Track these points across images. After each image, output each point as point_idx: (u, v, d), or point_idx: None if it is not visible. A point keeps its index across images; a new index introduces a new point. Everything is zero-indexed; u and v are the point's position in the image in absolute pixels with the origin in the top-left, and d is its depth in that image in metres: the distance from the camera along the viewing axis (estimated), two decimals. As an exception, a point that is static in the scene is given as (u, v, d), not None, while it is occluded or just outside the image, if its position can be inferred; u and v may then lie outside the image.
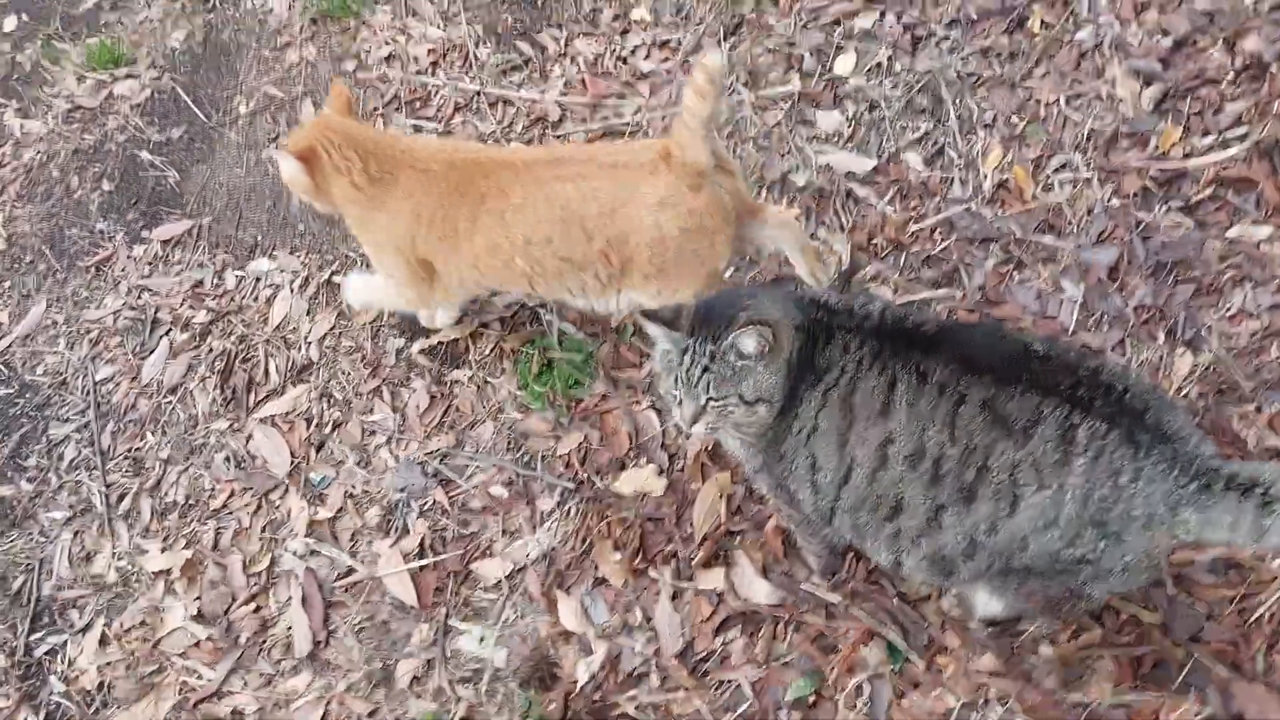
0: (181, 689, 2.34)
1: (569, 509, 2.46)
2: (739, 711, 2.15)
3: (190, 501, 2.61)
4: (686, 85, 2.03)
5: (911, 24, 3.08)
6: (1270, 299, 2.43)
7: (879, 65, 3.03)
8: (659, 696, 2.20)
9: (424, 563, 2.42)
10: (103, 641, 2.43)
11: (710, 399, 1.82)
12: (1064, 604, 1.87)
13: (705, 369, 1.80)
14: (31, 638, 2.46)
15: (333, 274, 2.89)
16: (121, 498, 2.63)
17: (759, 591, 2.27)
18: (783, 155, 2.91)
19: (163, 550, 2.54)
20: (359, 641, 2.37)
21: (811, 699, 2.14)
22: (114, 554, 2.55)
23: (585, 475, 2.50)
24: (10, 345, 2.90)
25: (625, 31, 3.36)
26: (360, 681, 2.31)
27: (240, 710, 2.31)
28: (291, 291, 2.90)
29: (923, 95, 2.94)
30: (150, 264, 3.01)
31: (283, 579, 2.46)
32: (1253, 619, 2.03)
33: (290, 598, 2.42)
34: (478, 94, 3.22)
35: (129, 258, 3.02)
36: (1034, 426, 1.65)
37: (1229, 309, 2.44)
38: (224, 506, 2.59)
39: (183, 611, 2.43)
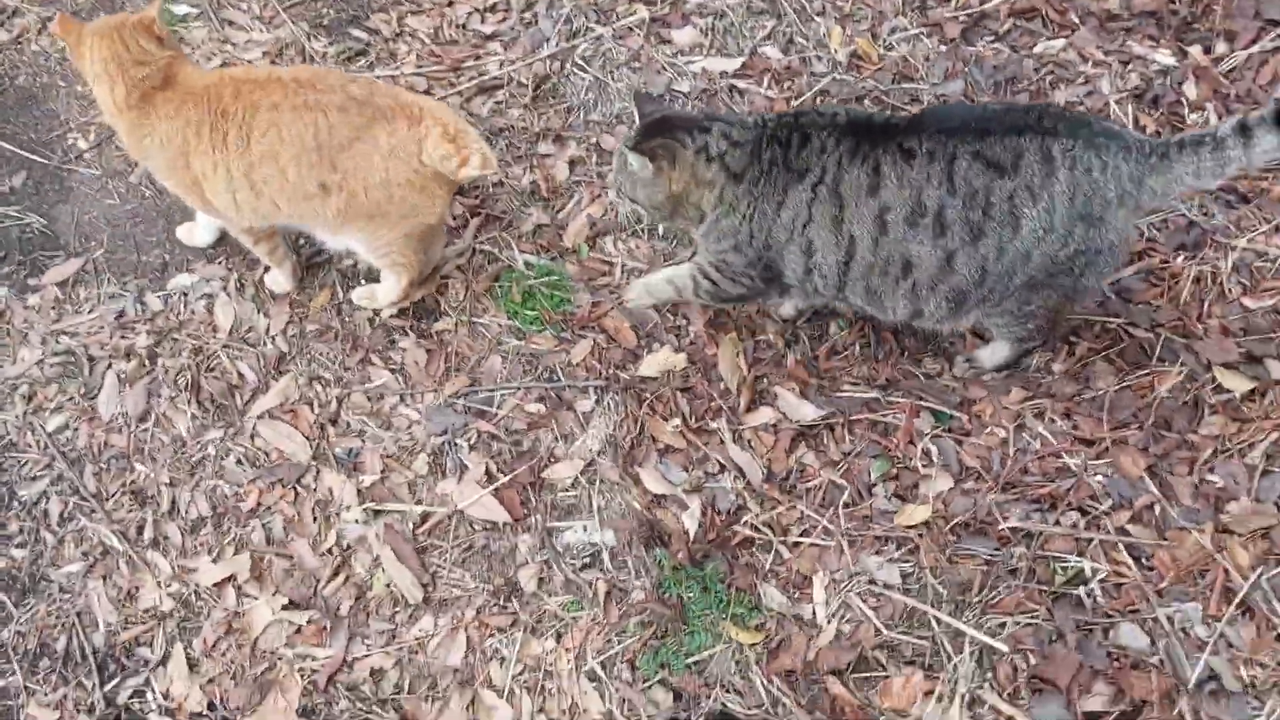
0: (303, 674, 2.23)
1: (607, 403, 2.59)
2: (840, 502, 2.40)
3: (219, 511, 2.46)
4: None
5: (722, -55, 3.49)
6: (1078, 93, 3.05)
7: (709, -17, 3.41)
8: (765, 515, 2.40)
9: (498, 485, 2.46)
10: (191, 664, 2.25)
11: (619, 190, 2.40)
12: (1063, 311, 2.34)
13: (621, 168, 2.35)
14: (107, 688, 2.22)
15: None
16: (140, 530, 2.43)
17: (806, 411, 2.54)
18: (658, 73, 3.20)
19: (215, 561, 2.38)
20: (467, 570, 2.37)
21: (894, 472, 2.44)
22: (159, 583, 2.35)
23: (609, 372, 2.64)
24: (-76, 423, 2.56)
25: (451, 3, 3.50)
26: (488, 602, 2.32)
27: (379, 668, 2.24)
28: (229, 296, 2.78)
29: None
30: (54, 309, 2.75)
31: (358, 546, 2.40)
32: (1183, 297, 2.60)
33: (377, 556, 2.37)
34: (339, 81, 3.23)
35: (25, 309, 2.75)
36: (1019, 159, 2.10)
37: (1057, 103, 3.03)
38: (258, 505, 2.46)
39: (269, 607, 2.30)
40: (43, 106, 3.20)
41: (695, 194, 2.32)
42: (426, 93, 3.24)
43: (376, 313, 2.76)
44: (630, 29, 3.33)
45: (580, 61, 3.26)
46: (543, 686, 2.23)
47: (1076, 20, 3.19)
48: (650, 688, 2.21)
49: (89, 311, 2.76)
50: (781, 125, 2.28)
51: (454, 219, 2.95)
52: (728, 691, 2.20)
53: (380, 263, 2.63)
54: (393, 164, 2.34)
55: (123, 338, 2.70)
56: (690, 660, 2.23)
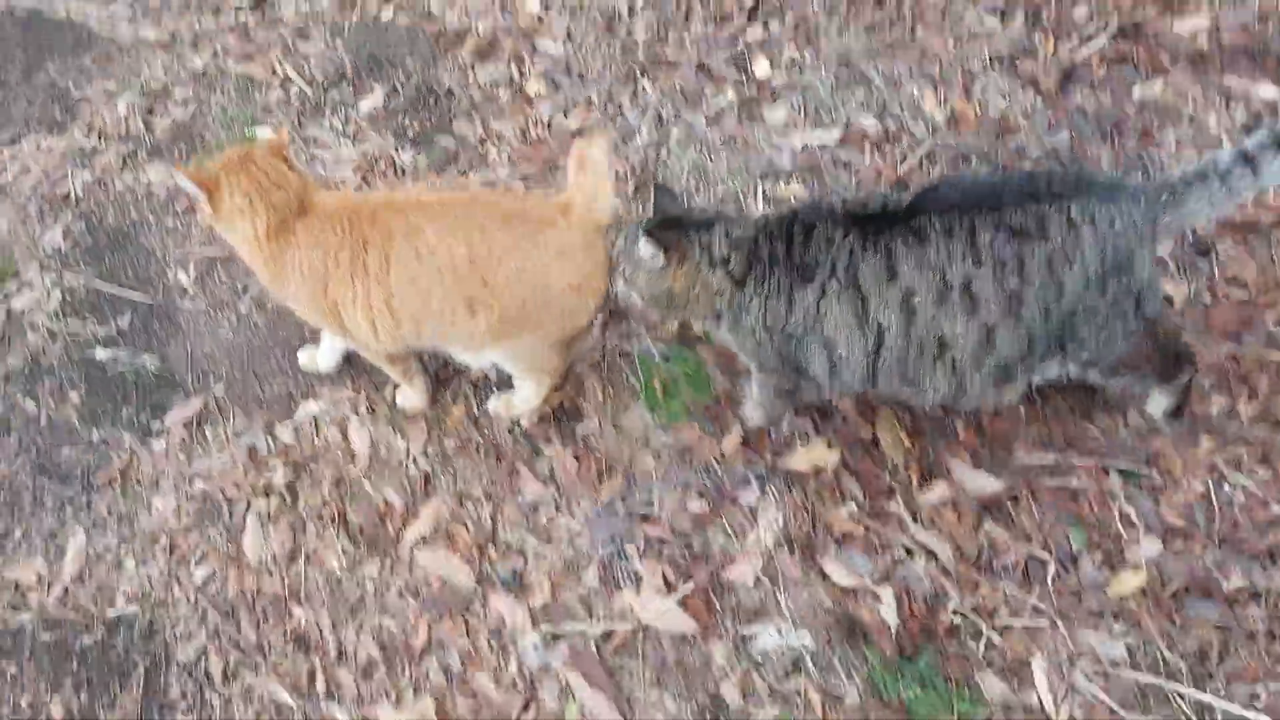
0: (513, 820, 2.09)
1: (770, 493, 2.49)
2: (1046, 577, 2.30)
3: (389, 651, 2.33)
4: (582, 158, 2.25)
5: (799, 21, 3.48)
6: (1186, 134, 3.02)
7: (792, 60, 3.39)
8: (969, 600, 2.29)
9: (680, 594, 2.34)
10: (393, 821, 2.10)
11: (622, 268, 2.32)
12: (1161, 339, 2.31)
13: (625, 244, 2.30)
14: None
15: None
16: (311, 679, 2.29)
17: (986, 483, 2.44)
18: (754, 153, 3.17)
19: (396, 706, 2.24)
20: (665, 690, 2.24)
21: (1094, 539, 2.33)
22: (342, 736, 2.22)
23: (768, 459, 2.55)
24: (66, 591, 2.43)
25: (531, 103, 3.47)
26: (694, 722, 2.19)
27: (594, 806, 2.10)
28: (361, 420, 2.68)
29: (842, 69, 3.34)
30: (182, 452, 2.65)
31: (544, 675, 2.27)
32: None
33: (566, 683, 2.24)
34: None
35: (153, 455, 2.64)
36: (1044, 224, 2.09)
37: (1169, 145, 3.00)
38: (429, 640, 2.34)
39: (463, 750, 2.17)
40: (136, 244, 3.13)
41: (702, 296, 2.28)
42: (523, 193, 3.20)
43: (516, 421, 2.66)
44: (721, 111, 3.30)
45: (676, 148, 3.23)
46: (765, 806, 2.10)
47: (1168, 62, 3.17)
48: (882, 796, 2.08)
49: (219, 451, 2.65)
50: (780, 223, 2.26)
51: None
52: (965, 792, 2.07)
53: (522, 373, 2.54)
54: (555, 267, 2.27)
55: (258, 475, 2.60)
56: (924, 763, 2.11)
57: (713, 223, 2.28)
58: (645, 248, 2.22)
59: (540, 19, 3.72)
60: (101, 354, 2.85)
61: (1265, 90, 3.05)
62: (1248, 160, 2.09)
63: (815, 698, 2.18)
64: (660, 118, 3.32)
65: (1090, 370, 2.30)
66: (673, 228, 2.27)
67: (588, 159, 2.26)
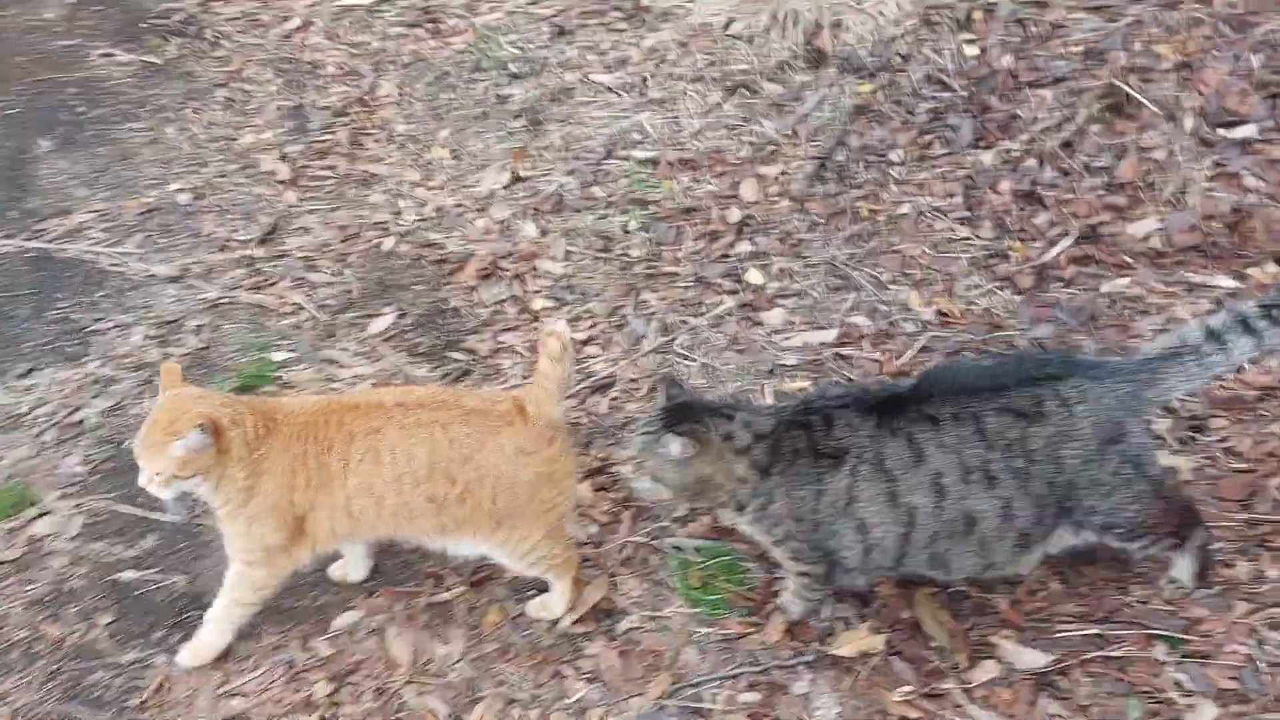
0: None
1: (819, 681, 2.50)
2: (1109, 746, 2.31)
3: None
4: (541, 352, 2.43)
5: (784, 236, 3.77)
6: (1159, 320, 3.28)
7: (781, 270, 3.64)
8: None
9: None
10: None
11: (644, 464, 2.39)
12: (1171, 501, 2.45)
13: (642, 449, 2.39)
14: None
15: (433, 595, 2.72)
16: None
17: (1033, 659, 2.48)
18: (760, 350, 3.35)
19: None
20: None
21: (1152, 709, 2.36)
22: None
23: (814, 647, 2.57)
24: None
25: (536, 320, 3.65)
26: None
27: None
28: (399, 629, 2.66)
29: (831, 276, 3.59)
30: (217, 670, 2.58)
31: None
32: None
33: None
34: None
35: (187, 676, 2.57)
36: (1040, 406, 2.30)
37: (1146, 334, 3.24)
38: None
39: None
40: (157, 465, 3.14)
41: (726, 482, 2.38)
42: (539, 401, 3.30)
43: (555, 622, 2.66)
44: (721, 318, 3.50)
45: (682, 351, 3.40)
46: None
47: (1129, 259, 3.47)
48: None
49: (254, 669, 2.59)
50: (799, 412, 2.41)
51: (603, 514, 2.93)
52: None
53: (535, 570, 2.59)
54: (521, 463, 2.39)
55: (297, 690, 2.53)
56: None
57: (729, 412, 2.42)
58: (674, 445, 2.31)
59: (538, 243, 3.95)
60: (129, 575, 2.80)
61: (1223, 281, 3.34)
62: (1216, 338, 2.31)
63: None
64: (664, 325, 3.50)
65: (1109, 536, 2.42)
66: (685, 416, 2.39)
67: (550, 355, 2.40)
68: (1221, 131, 3.61)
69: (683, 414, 2.40)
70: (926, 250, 3.62)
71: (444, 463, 2.37)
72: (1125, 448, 2.32)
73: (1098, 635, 2.51)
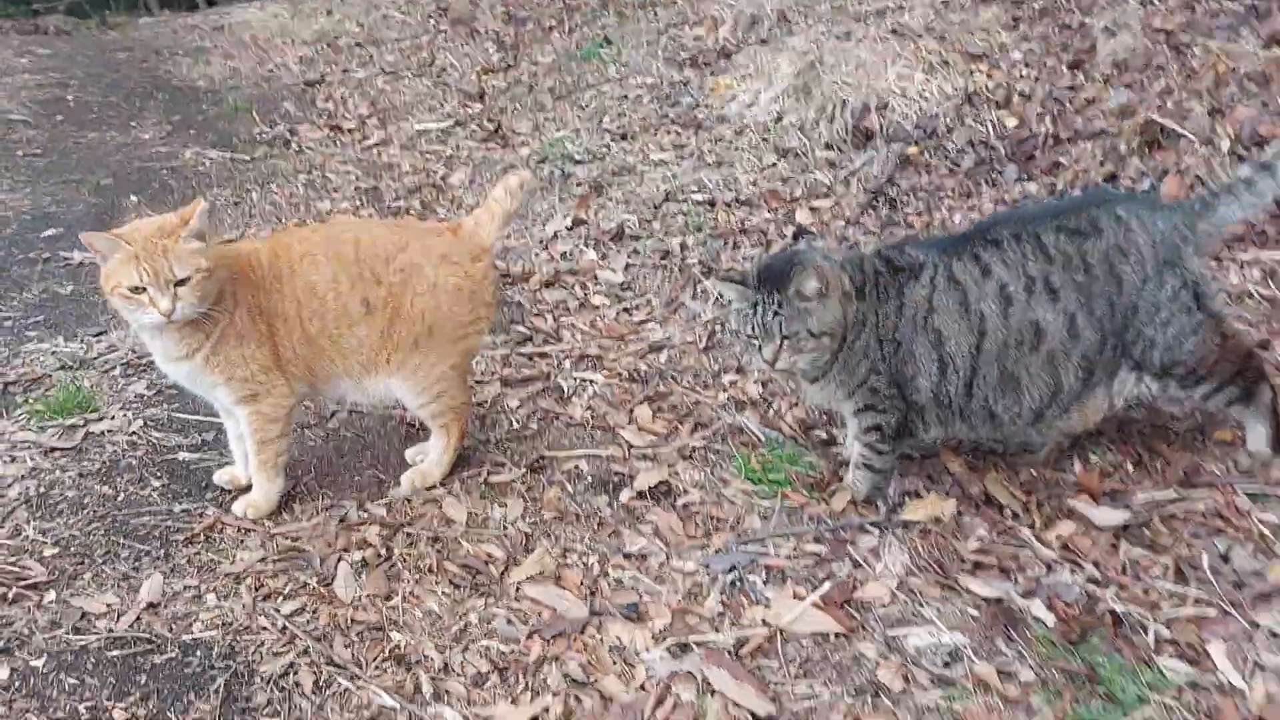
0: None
1: (891, 538, 2.41)
2: (1206, 567, 2.18)
3: (500, 665, 2.09)
4: (499, 182, 2.59)
5: (840, 239, 3.92)
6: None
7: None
8: (1126, 598, 2.15)
9: (816, 595, 2.19)
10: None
11: (784, 337, 2.34)
12: (1231, 347, 2.43)
13: (776, 313, 2.34)
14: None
15: (491, 475, 2.69)
16: (417, 689, 2.02)
17: (1114, 516, 2.40)
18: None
19: (514, 704, 1.97)
20: (814, 680, 2.00)
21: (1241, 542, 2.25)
22: (456, 732, 1.92)
23: (885, 512, 2.49)
24: (139, 617, 2.19)
25: (597, 308, 3.75)
26: (853, 704, 1.94)
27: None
28: (451, 494, 2.61)
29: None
30: (269, 520, 2.53)
31: (678, 678, 2.03)
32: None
33: (703, 679, 2.00)
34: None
35: (238, 519, 2.52)
36: (1097, 224, 2.38)
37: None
38: (543, 657, 2.11)
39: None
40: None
41: (841, 319, 2.39)
42: (597, 359, 3.37)
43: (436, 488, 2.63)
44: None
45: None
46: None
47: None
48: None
49: (308, 519, 2.54)
50: (877, 253, 2.52)
51: (662, 427, 2.91)
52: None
53: (430, 411, 2.58)
54: (444, 270, 2.46)
55: (350, 536, 2.47)
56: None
57: (806, 254, 2.53)
58: (809, 283, 2.33)
59: (598, 262, 4.12)
60: (186, 455, 2.80)
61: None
62: (1265, 168, 2.39)
63: (986, 673, 1.97)
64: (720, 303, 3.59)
65: (1169, 383, 2.41)
66: (785, 268, 2.41)
67: (507, 188, 2.54)
68: (1255, 151, 3.79)
69: (784, 265, 2.42)
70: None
71: (369, 259, 2.45)
72: (1183, 272, 2.35)
73: (1177, 498, 2.42)
